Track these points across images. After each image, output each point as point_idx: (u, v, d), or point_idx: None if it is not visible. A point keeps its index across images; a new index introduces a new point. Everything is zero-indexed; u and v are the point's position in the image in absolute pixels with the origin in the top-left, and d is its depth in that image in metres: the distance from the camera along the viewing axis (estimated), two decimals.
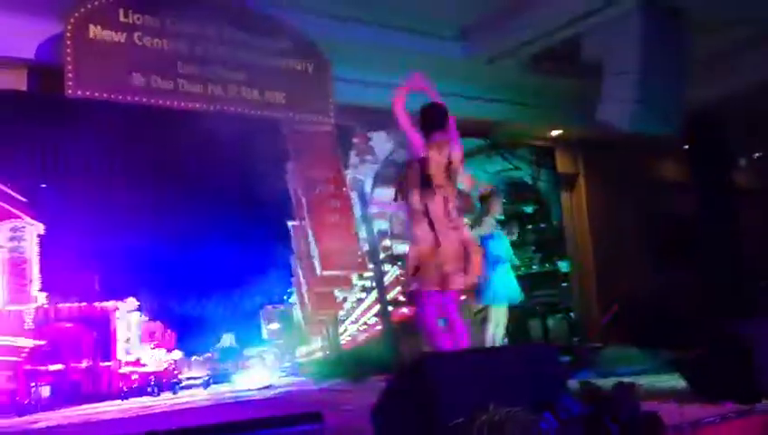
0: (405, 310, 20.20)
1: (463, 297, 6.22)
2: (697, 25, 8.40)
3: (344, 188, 19.95)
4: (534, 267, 16.36)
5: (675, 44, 8.38)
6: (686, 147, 12.16)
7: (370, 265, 20.88)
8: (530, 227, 16.77)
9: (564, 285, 14.57)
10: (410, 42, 9.11)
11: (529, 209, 17.04)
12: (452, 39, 9.50)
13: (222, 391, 30.25)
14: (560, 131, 12.41)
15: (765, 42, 9.75)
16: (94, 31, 7.45)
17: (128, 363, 40.96)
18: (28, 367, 28.70)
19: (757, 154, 13.44)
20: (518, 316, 16.60)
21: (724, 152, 12.03)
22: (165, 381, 37.13)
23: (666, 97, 8.45)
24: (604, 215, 12.73)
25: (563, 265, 14.87)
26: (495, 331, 6.88)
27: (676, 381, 4.90)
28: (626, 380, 3.24)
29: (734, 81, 10.37)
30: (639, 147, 11.04)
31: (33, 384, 27.15)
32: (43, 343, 30.03)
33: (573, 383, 3.28)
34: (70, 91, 7.26)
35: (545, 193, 16.58)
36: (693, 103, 9.30)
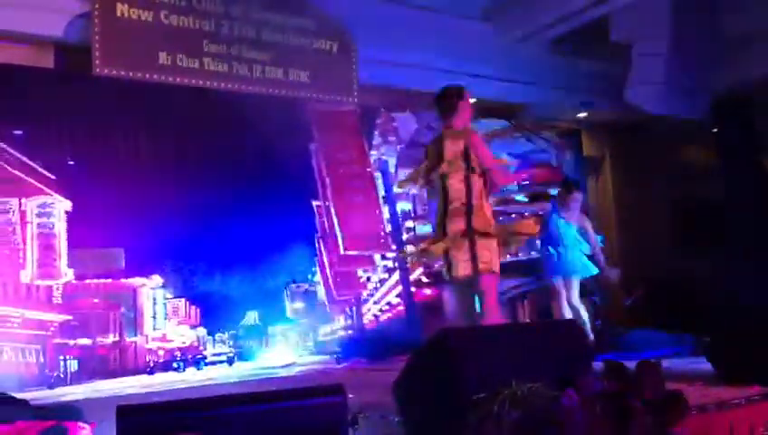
0: (427, 291, 20.25)
1: None
2: (728, 6, 8.24)
3: (368, 169, 20.00)
4: None
5: (704, 26, 8.26)
6: (715, 130, 11.97)
7: (393, 246, 20.95)
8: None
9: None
10: (436, 22, 9.06)
11: (554, 192, 16.91)
12: (478, 19, 9.42)
13: (246, 367, 30.61)
14: (585, 114, 12.28)
15: None
16: (121, 9, 7.50)
17: (154, 339, 41.56)
18: (57, 341, 29.27)
19: None
20: (541, 298, 16.62)
21: (754, 137, 11.83)
22: (190, 358, 37.65)
23: (694, 79, 8.34)
24: (629, 198, 12.60)
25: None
26: (573, 302, 7.17)
27: (701, 365, 4.88)
28: (650, 359, 3.23)
29: (765, 63, 10.17)
30: (667, 130, 10.89)
31: (61, 358, 27.72)
32: (71, 317, 30.59)
33: (597, 363, 3.29)
34: (97, 70, 7.33)
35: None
36: (723, 86, 9.15)
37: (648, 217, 12.29)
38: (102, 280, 36.33)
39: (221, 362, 37.89)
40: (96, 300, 35.55)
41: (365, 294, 32.08)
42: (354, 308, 34.77)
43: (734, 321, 4.52)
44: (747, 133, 11.67)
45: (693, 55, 8.23)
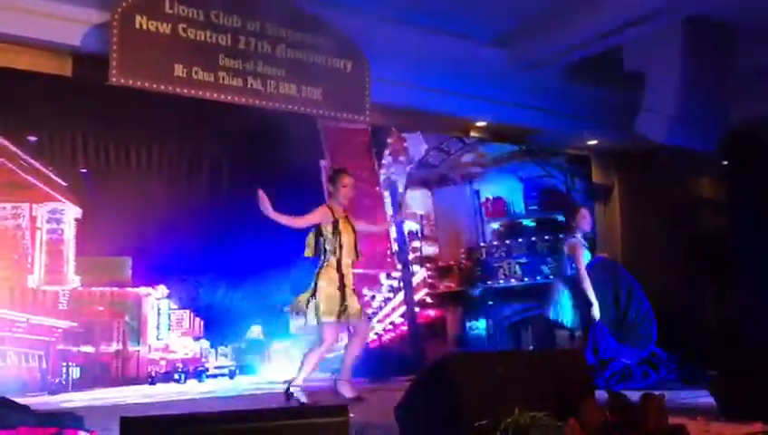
0: (431, 311, 20.21)
1: None
2: (743, 40, 8.26)
3: (377, 188, 20.06)
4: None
5: (719, 59, 8.27)
6: (725, 163, 11.97)
7: (399, 266, 20.93)
8: (561, 235, 16.66)
9: None
10: (449, 45, 9.13)
11: (561, 218, 16.93)
12: (491, 44, 9.49)
13: (247, 381, 30.47)
14: (596, 141, 12.31)
15: None
16: (140, 21, 7.59)
17: (156, 349, 41.43)
18: (60, 347, 29.25)
19: None
20: (545, 324, 16.54)
21: (764, 171, 11.82)
22: (192, 369, 37.50)
23: (706, 112, 8.34)
24: (637, 228, 12.59)
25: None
26: None
27: (704, 399, 4.86)
28: (654, 392, 3.22)
29: None
30: (677, 161, 10.90)
31: (64, 364, 27.68)
32: (75, 324, 30.58)
33: (601, 393, 3.28)
34: (113, 80, 7.41)
35: (578, 203, 16.45)
36: (735, 120, 9.15)
37: (655, 247, 12.26)
38: (108, 288, 36.35)
39: (222, 374, 37.67)
40: (101, 308, 35.50)
41: (369, 312, 31.99)
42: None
43: (739, 356, 4.50)
44: (759, 169, 11.68)
45: (706, 88, 8.23)
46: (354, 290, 7.01)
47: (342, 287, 6.70)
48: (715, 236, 12.11)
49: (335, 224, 6.83)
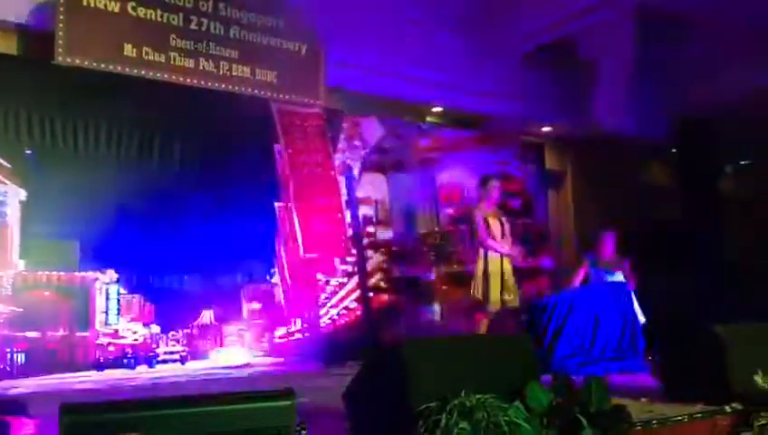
0: (385, 296, 20.26)
1: None
2: (692, 30, 8.43)
3: (332, 172, 19.95)
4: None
5: (668, 49, 8.43)
6: (674, 150, 12.24)
7: (353, 251, 20.90)
8: (516, 221, 16.85)
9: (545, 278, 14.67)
10: (406, 31, 9.10)
11: (516, 204, 17.12)
12: (448, 30, 9.49)
13: (199, 367, 30.19)
14: (550, 128, 12.45)
15: (758, 49, 9.81)
16: None
17: (105, 335, 40.68)
18: (5, 332, 28.48)
19: (744, 162, 13.55)
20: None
21: (712, 158, 12.13)
22: (142, 355, 36.95)
23: (656, 100, 8.51)
24: (589, 214, 12.80)
25: (546, 262, 14.99)
26: None
27: (648, 381, 4.97)
28: (598, 375, 3.28)
29: (725, 87, 10.43)
30: (628, 148, 11.11)
31: (8, 350, 26.98)
32: (20, 309, 29.80)
33: (546, 376, 3.33)
34: (60, 58, 7.20)
35: (532, 189, 16.66)
36: (684, 108, 9.36)
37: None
38: (54, 272, 35.48)
39: (174, 360, 37.26)
40: (47, 292, 34.69)
41: (323, 297, 31.94)
42: (311, 311, 34.59)
43: (681, 338, 4.61)
44: (705, 154, 11.98)
45: (657, 77, 8.40)
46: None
47: None
48: (665, 222, 12.39)
49: None
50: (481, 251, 6.83)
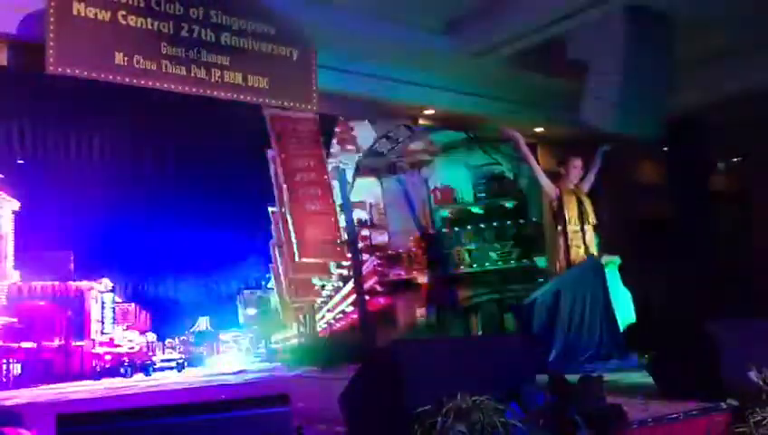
0: (381, 300, 20.28)
1: None
2: (681, 31, 8.47)
3: (325, 177, 20.00)
4: (512, 262, 16.51)
5: (658, 48, 8.46)
6: (666, 149, 12.29)
7: (348, 255, 20.93)
8: (509, 222, 16.92)
9: (541, 280, 14.70)
10: (396, 33, 9.11)
11: (509, 205, 17.17)
12: (438, 32, 9.50)
13: (196, 374, 30.18)
14: (542, 129, 12.48)
15: (747, 49, 9.88)
16: (78, 7, 7.36)
17: (101, 344, 40.58)
18: (0, 343, 28.37)
19: (735, 159, 13.62)
20: (494, 310, 16.78)
21: (703, 157, 12.18)
22: (138, 363, 36.87)
23: (646, 100, 8.53)
24: None
25: (541, 262, 15.00)
26: None
27: (644, 379, 4.99)
28: (594, 374, 3.30)
29: (715, 87, 10.49)
30: (620, 148, 11.14)
31: (4, 361, 26.87)
32: (15, 320, 29.69)
33: (542, 376, 3.35)
34: (51, 68, 7.18)
35: (525, 189, 16.70)
36: (674, 108, 9.39)
37: (600, 232, 12.52)
38: (50, 283, 35.34)
39: (170, 368, 37.20)
40: (42, 303, 34.56)
41: (319, 301, 31.99)
42: (308, 316, 34.62)
43: (675, 336, 4.63)
44: (696, 153, 12.03)
45: (647, 76, 8.43)
46: None
47: None
48: (656, 221, 12.44)
49: None
50: None
